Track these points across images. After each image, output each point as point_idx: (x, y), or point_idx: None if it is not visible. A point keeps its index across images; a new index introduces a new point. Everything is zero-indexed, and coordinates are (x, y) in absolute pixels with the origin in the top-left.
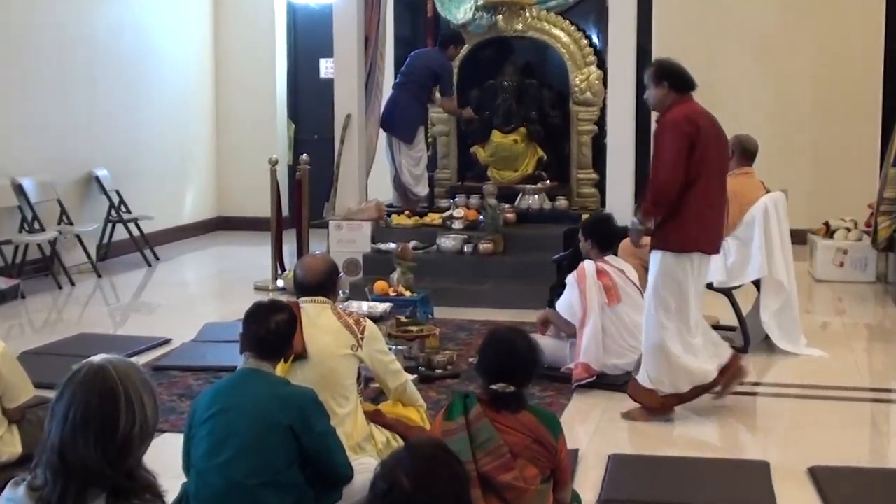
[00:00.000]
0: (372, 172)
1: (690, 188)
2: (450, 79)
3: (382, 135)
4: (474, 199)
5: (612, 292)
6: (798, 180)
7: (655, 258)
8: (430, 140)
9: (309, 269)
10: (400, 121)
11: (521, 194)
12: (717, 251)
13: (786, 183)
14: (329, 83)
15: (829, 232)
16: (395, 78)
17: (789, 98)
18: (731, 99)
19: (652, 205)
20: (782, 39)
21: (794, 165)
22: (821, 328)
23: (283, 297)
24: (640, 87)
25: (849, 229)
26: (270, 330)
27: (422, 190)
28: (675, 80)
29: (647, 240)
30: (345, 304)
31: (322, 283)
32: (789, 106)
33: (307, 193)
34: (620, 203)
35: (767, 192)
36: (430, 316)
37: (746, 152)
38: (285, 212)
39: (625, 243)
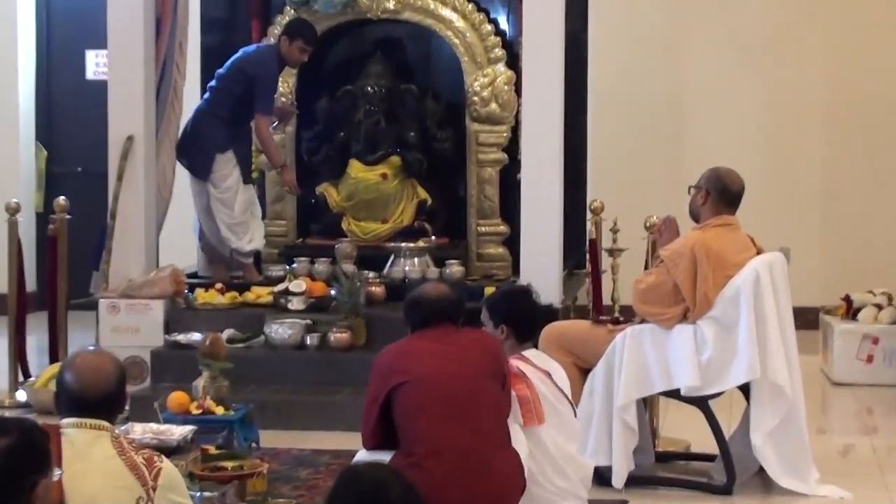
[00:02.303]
0: (168, 224)
1: None
2: (268, 87)
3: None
4: (322, 266)
5: (531, 407)
6: (804, 235)
7: None
8: (255, 174)
9: (88, 373)
10: (192, 145)
11: (392, 257)
12: None
13: (787, 239)
14: (101, 88)
15: (850, 311)
16: (204, 81)
17: (791, 115)
18: (707, 114)
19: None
20: (784, 32)
21: (799, 213)
22: (840, 455)
23: (33, 418)
24: (572, 95)
25: (880, 306)
26: None
27: (246, 244)
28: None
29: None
30: (123, 427)
31: (109, 398)
32: (791, 126)
33: (65, 257)
34: (543, 269)
35: (759, 252)
36: (253, 445)
37: (726, 194)
38: (31, 285)
39: (552, 330)
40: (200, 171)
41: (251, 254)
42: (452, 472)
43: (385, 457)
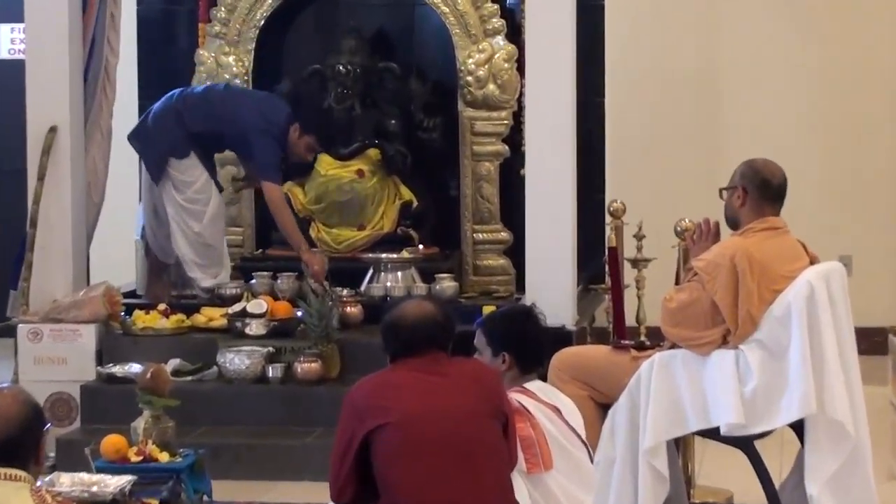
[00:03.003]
0: (100, 233)
1: None
2: (270, 159)
3: (120, 165)
4: (286, 282)
5: (536, 450)
6: (869, 241)
7: None
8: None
9: None
10: (147, 138)
11: (371, 271)
12: None
13: (847, 246)
14: (17, 68)
15: None
16: (141, 59)
17: (853, 96)
18: (749, 95)
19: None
20: None
21: (862, 215)
22: None
23: None
24: (586, 73)
25: None
26: None
27: (210, 279)
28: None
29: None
30: (48, 478)
31: (11, 443)
32: (853, 109)
33: None
34: (552, 284)
35: (813, 261)
36: (205, 498)
37: (767, 189)
38: None
39: (564, 357)
40: (151, 167)
41: (210, 290)
42: None
43: None
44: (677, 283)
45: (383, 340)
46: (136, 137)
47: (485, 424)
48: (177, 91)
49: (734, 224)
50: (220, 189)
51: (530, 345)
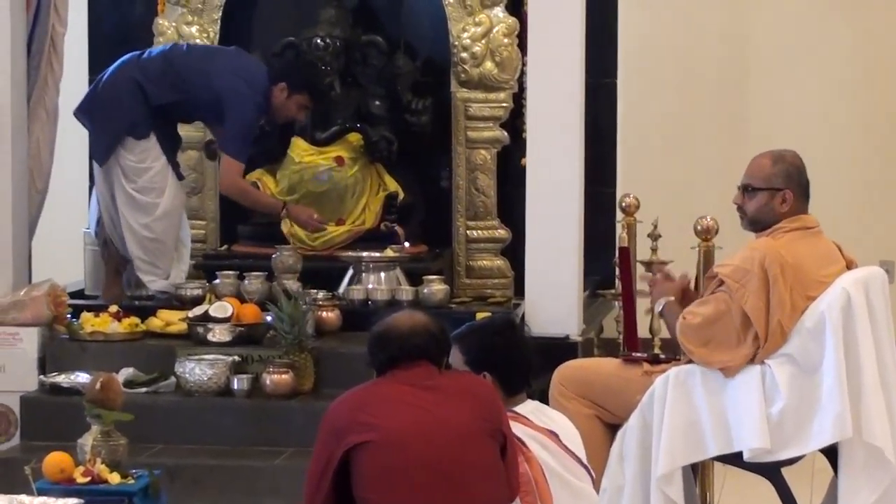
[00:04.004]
0: (43, 225)
1: None
2: (246, 129)
3: (67, 150)
4: (254, 283)
5: (532, 487)
6: None
7: None
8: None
9: None
10: (97, 113)
11: (351, 271)
12: None
13: (888, 250)
14: None
15: None
16: (93, 30)
17: (894, 83)
18: (778, 78)
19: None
20: None
21: None
22: None
23: None
24: (596, 51)
25: None
26: None
27: (159, 281)
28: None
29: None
30: None
31: None
32: (893, 97)
33: None
34: (555, 289)
35: (849, 266)
36: None
37: (806, 186)
38: None
39: (567, 371)
40: (99, 149)
41: (163, 293)
42: None
43: None
44: (697, 288)
45: (369, 353)
46: (85, 112)
47: (479, 445)
48: (130, 56)
49: (762, 226)
50: (181, 177)
51: (515, 363)
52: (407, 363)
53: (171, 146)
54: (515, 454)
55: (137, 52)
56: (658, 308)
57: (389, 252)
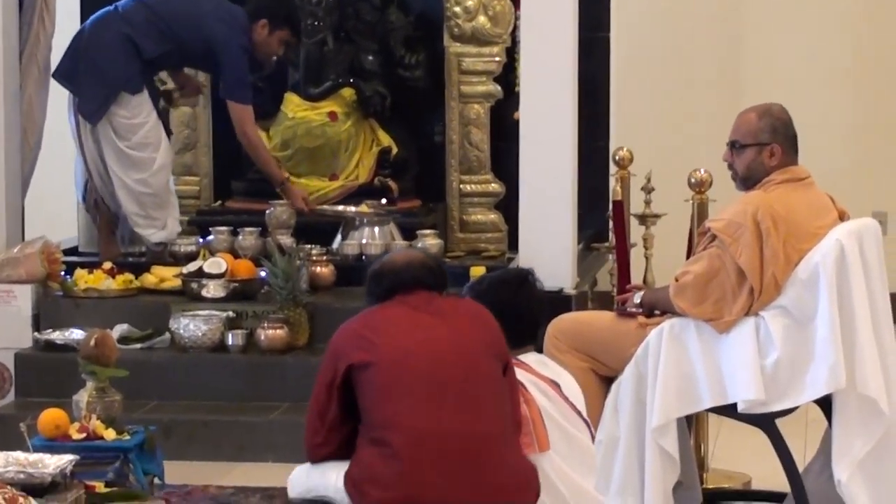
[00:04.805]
0: (36, 182)
1: None
2: (241, 66)
3: (60, 106)
4: (248, 238)
5: (530, 429)
6: None
7: None
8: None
9: None
10: (87, 69)
11: (344, 226)
12: None
13: (881, 201)
14: None
15: None
16: None
17: (891, 33)
18: (772, 27)
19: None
20: None
21: None
22: None
23: None
24: (588, 6)
25: None
26: None
27: (158, 232)
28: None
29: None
30: None
31: None
32: (890, 49)
33: None
34: (549, 242)
35: (842, 217)
36: (156, 481)
37: (795, 140)
38: None
39: (562, 325)
40: (91, 108)
41: (161, 245)
42: (441, 462)
43: (338, 470)
44: (690, 242)
45: (367, 292)
46: (69, 74)
47: (482, 361)
48: (106, 12)
49: (752, 182)
50: (170, 133)
51: (524, 317)
52: (405, 293)
53: (157, 99)
54: (516, 380)
55: (110, 7)
56: (637, 300)
57: (382, 206)
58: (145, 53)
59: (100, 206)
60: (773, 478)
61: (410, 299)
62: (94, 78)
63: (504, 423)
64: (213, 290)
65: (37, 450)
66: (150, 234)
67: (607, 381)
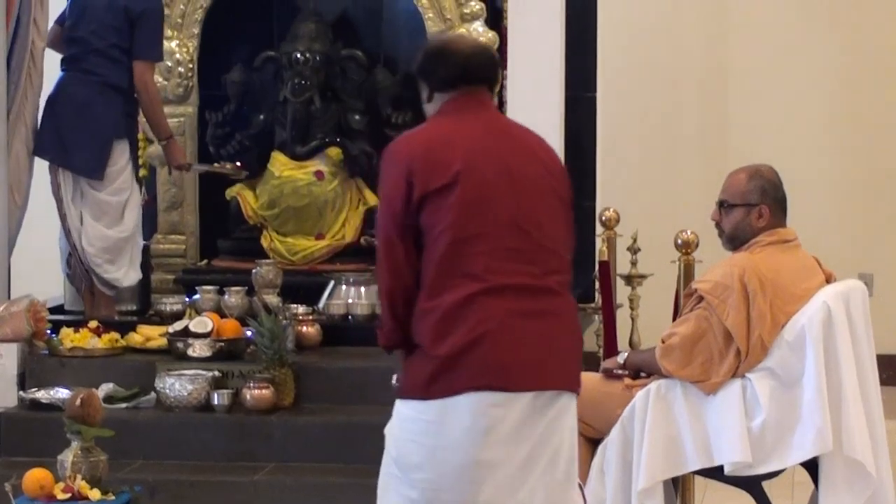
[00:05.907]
0: (23, 241)
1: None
2: (158, 23)
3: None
4: (234, 297)
5: None
6: (894, 255)
7: None
8: (144, 171)
9: None
10: (73, 135)
11: (331, 286)
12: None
13: (868, 262)
14: None
15: None
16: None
17: (876, 93)
18: (758, 90)
19: None
20: None
21: (885, 228)
22: None
23: None
24: (575, 65)
25: None
26: None
27: (123, 275)
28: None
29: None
30: None
31: None
32: (875, 109)
33: None
34: None
35: (829, 279)
36: None
37: (784, 203)
38: None
39: None
40: (94, 166)
41: (123, 284)
42: (523, 321)
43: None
44: (677, 303)
45: (423, 72)
46: (53, 145)
47: (550, 198)
48: (61, 76)
49: (740, 242)
50: (139, 180)
51: None
52: (466, 87)
53: (135, 150)
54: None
55: (60, 59)
56: (621, 360)
57: (370, 267)
58: (116, 86)
59: (74, 267)
60: None
61: (472, 104)
62: (89, 133)
63: (567, 283)
64: (199, 349)
65: None
66: (120, 278)
67: (594, 442)
